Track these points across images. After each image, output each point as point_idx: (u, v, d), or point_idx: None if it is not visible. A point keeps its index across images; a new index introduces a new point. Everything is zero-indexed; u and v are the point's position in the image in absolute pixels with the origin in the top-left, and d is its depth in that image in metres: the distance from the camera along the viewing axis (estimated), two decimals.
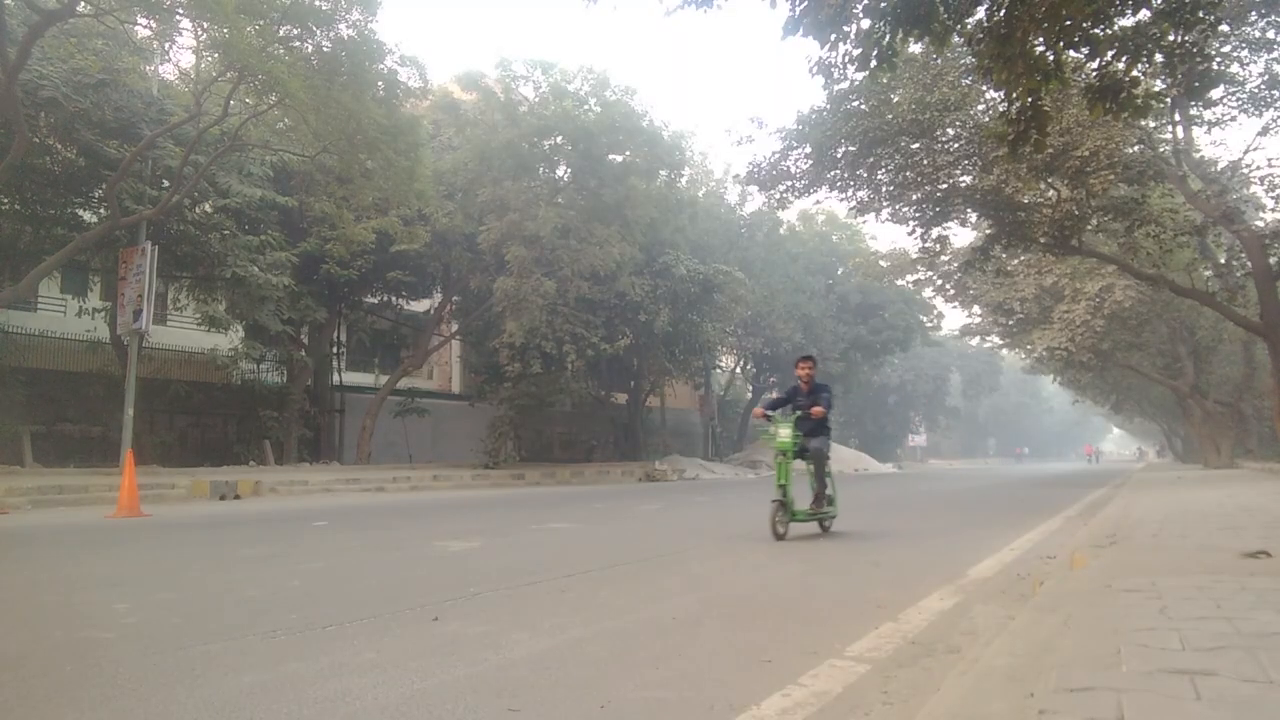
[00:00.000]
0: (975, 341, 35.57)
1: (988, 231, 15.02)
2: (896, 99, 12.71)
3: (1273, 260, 13.79)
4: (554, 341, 18.36)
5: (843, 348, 31.55)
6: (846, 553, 5.78)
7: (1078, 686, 1.79)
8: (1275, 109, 13.96)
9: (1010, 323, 24.14)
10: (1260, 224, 16.01)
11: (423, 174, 15.53)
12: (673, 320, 21.35)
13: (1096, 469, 37.24)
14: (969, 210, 14.94)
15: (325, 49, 12.53)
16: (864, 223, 34.34)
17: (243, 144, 14.27)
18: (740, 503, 11.60)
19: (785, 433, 6.28)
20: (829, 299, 31.20)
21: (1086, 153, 10.98)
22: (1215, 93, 12.84)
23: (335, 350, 21.73)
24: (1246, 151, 17.23)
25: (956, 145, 13.43)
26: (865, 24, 5.35)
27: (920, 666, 2.65)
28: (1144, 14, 5.70)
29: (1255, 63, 13.42)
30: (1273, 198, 15.51)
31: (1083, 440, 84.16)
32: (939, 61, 12.16)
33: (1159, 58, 6.40)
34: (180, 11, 11.69)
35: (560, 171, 20.34)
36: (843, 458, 34.85)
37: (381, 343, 25.03)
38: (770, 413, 6.79)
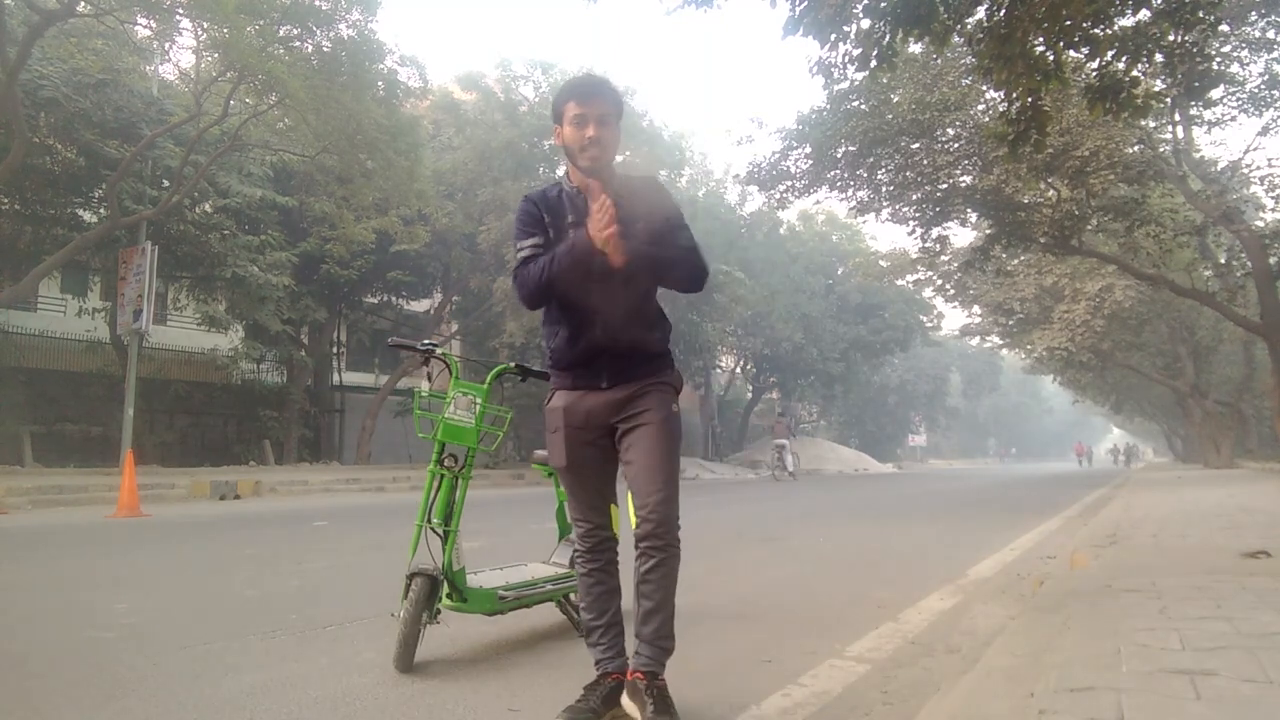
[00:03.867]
0: (975, 341, 35.53)
1: (988, 231, 15.00)
2: (896, 99, 12.69)
3: (1273, 260, 13.78)
4: None
5: (843, 348, 31.53)
6: (846, 553, 5.79)
7: (1078, 686, 1.79)
8: (1275, 109, 13.95)
9: (1010, 323, 24.11)
10: (1260, 224, 15.99)
11: (423, 174, 15.54)
12: (672, 320, 21.33)
13: (1087, 472, 32.74)
14: (969, 210, 14.93)
15: (325, 49, 12.55)
16: (864, 223, 34.33)
17: (243, 144, 14.28)
18: (740, 503, 11.61)
19: (466, 416, 2.73)
20: (829, 299, 31.17)
21: (1086, 153, 10.97)
22: (1215, 93, 12.80)
23: (335, 350, 21.73)
24: (1246, 151, 17.21)
25: (956, 145, 13.41)
26: (865, 24, 5.35)
27: (920, 666, 2.65)
28: (1144, 14, 5.69)
29: (1255, 63, 13.42)
30: (1273, 198, 15.49)
31: (1083, 440, 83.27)
32: (939, 61, 12.14)
33: (1159, 58, 6.38)
34: (180, 11, 11.70)
35: (560, 172, 20.35)
36: (843, 458, 34.84)
37: (381, 343, 25.07)
38: (425, 346, 3.03)
